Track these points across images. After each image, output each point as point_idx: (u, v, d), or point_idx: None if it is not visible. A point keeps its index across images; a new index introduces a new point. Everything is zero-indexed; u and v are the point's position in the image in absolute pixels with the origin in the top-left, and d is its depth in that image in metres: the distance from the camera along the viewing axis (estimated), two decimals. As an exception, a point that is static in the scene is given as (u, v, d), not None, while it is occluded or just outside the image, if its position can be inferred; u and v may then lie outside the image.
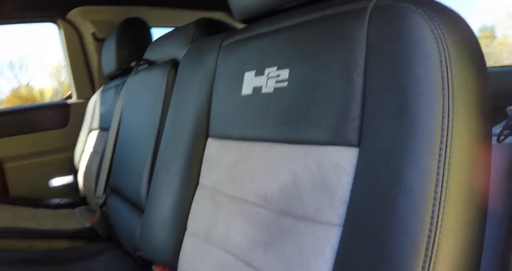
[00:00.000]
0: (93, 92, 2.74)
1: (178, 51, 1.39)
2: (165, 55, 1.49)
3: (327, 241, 0.67)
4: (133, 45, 2.03)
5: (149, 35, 2.10)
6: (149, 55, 1.68)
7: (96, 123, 2.30)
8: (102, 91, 2.30)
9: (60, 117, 2.72)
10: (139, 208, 1.40)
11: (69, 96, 2.85)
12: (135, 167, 1.45)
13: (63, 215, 2.22)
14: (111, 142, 1.85)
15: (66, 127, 2.72)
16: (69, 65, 2.74)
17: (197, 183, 1.06)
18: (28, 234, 1.84)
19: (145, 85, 1.51)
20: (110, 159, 1.83)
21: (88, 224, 2.00)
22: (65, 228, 1.94)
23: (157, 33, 2.52)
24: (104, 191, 1.85)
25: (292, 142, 0.78)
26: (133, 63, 1.71)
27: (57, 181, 2.66)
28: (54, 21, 2.66)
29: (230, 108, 0.96)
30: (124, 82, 1.92)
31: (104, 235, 1.90)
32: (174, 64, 1.35)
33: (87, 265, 1.52)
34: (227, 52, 1.02)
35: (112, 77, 2.24)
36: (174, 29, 1.53)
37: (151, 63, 1.61)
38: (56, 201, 2.47)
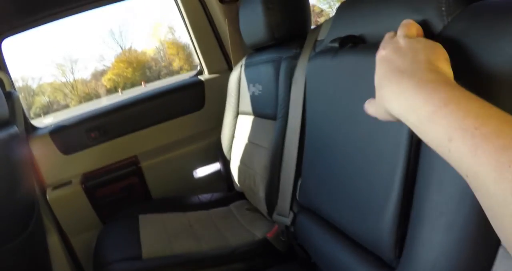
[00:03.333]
0: (228, 65, 2.34)
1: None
2: (385, 28, 0.94)
3: None
4: (285, 7, 1.57)
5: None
6: (342, 25, 1.14)
7: (246, 106, 1.88)
8: (247, 66, 1.87)
9: (195, 98, 2.35)
10: (375, 256, 0.95)
11: (200, 72, 2.46)
12: (365, 199, 0.99)
13: (221, 218, 1.90)
14: (293, 141, 1.40)
15: (203, 108, 2.35)
16: (193, 36, 2.34)
17: (498, 244, 0.63)
18: (198, 264, 1.53)
19: (358, 77, 0.99)
20: (296, 165, 1.38)
21: (258, 233, 1.68)
22: (237, 246, 1.62)
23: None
24: (291, 207, 1.41)
25: None
26: (321, 38, 1.19)
27: (203, 171, 2.32)
28: (169, -12, 2.26)
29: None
30: (290, 58, 1.49)
31: (283, 249, 1.55)
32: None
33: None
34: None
35: (258, 48, 1.79)
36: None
37: (356, 41, 1.06)
38: (206, 197, 2.13)
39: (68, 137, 2.17)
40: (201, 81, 2.33)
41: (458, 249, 0.66)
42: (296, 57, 1.44)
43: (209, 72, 2.39)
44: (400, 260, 0.81)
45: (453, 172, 0.62)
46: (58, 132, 2.15)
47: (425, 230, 0.73)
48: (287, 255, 1.53)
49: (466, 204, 0.64)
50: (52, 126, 2.18)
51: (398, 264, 0.82)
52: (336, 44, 1.06)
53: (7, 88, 2.05)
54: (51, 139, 2.13)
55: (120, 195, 2.21)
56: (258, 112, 1.76)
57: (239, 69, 1.93)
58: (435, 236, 0.70)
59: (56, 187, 2.10)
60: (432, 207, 0.71)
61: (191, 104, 2.33)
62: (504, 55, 0.60)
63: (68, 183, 2.12)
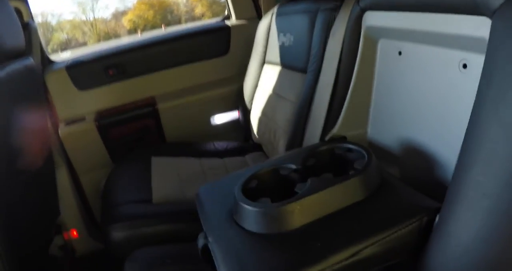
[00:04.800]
0: (257, 11, 2.25)
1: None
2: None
3: None
4: None
5: None
6: None
7: (274, 56, 1.80)
8: (279, 14, 1.78)
9: (220, 43, 2.25)
10: None
11: (227, 17, 2.36)
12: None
13: (235, 167, 1.85)
14: (323, 96, 1.33)
15: (227, 54, 2.25)
16: (223, -23, 2.22)
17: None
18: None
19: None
20: (324, 122, 1.32)
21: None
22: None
23: None
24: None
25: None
26: None
27: (221, 118, 2.26)
28: None
29: None
30: (329, 11, 1.39)
31: None
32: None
33: None
34: None
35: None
36: None
37: None
38: (222, 145, 2.07)
39: (85, 72, 2.09)
40: (227, 27, 2.23)
41: (497, 236, 0.60)
42: (335, 10, 1.36)
43: (237, 18, 2.29)
44: (429, 238, 0.75)
45: (503, 151, 0.58)
46: (75, 68, 2.07)
47: (462, 211, 0.66)
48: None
49: (513, 188, 0.57)
50: (70, 61, 2.10)
51: (426, 242, 0.76)
52: None
53: (25, 19, 1.97)
54: (67, 74, 2.05)
55: (134, 135, 2.15)
56: (287, 63, 1.67)
57: (269, 17, 1.84)
58: (472, 218, 0.63)
59: (69, 123, 2.05)
60: (474, 188, 0.64)
61: (215, 49, 2.23)
62: None
63: (82, 119, 2.07)
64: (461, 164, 0.67)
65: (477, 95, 0.64)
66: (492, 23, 0.64)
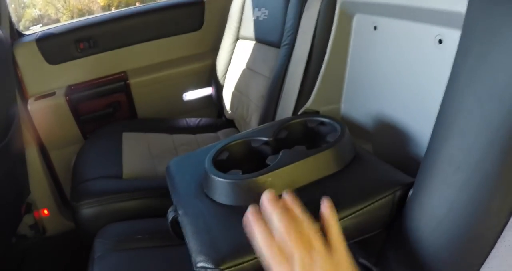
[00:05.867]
0: None
1: None
2: None
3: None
4: None
5: None
6: None
7: (248, 31, 1.77)
8: None
9: (194, 17, 2.20)
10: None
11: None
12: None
13: (207, 144, 1.78)
14: (297, 70, 1.31)
15: (201, 29, 2.21)
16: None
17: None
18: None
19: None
20: (297, 96, 1.31)
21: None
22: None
23: None
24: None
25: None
26: None
27: (193, 94, 2.22)
28: None
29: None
30: None
31: None
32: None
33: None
34: None
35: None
36: None
37: None
38: (194, 121, 2.05)
39: (55, 45, 2.02)
40: (201, 1, 2.19)
41: (470, 209, 0.59)
42: None
43: (213, -7, 2.25)
44: (403, 212, 0.74)
45: (478, 125, 0.57)
46: (45, 40, 2.01)
47: (436, 184, 0.66)
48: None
49: (487, 162, 0.56)
50: (39, 33, 2.03)
51: (399, 216, 0.75)
52: None
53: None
54: (37, 47, 1.98)
55: (105, 111, 2.10)
56: (261, 38, 1.65)
57: None
58: (446, 192, 0.63)
59: (38, 98, 1.99)
60: (448, 161, 0.63)
61: (188, 24, 2.19)
62: None
63: (52, 94, 2.00)
64: (436, 138, 0.66)
65: (452, 68, 0.63)
66: None
